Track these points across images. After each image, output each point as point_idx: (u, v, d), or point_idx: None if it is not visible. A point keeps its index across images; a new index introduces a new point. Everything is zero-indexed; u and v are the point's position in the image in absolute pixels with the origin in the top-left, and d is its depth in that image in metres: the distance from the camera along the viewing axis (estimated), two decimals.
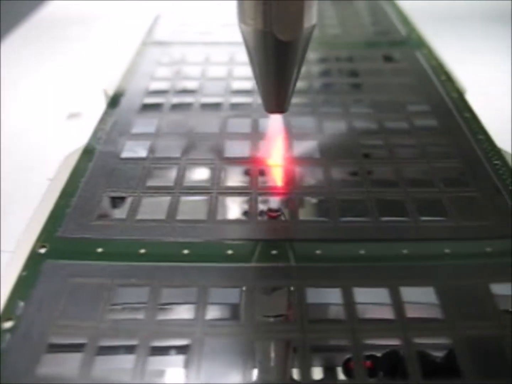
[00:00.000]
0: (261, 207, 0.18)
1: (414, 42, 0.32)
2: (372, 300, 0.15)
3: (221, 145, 0.21)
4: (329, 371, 0.15)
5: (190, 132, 0.22)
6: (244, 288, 0.15)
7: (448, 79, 0.27)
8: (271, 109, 0.18)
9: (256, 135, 0.22)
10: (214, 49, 0.30)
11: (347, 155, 0.21)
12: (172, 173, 0.20)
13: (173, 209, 0.18)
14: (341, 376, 0.15)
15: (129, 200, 0.18)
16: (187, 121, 0.23)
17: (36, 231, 0.17)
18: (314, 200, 0.19)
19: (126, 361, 0.13)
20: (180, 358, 0.14)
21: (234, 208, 0.19)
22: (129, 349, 0.14)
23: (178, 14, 0.36)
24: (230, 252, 0.16)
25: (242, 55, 0.28)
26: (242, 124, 0.23)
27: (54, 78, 0.36)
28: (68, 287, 0.15)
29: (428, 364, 0.14)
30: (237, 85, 0.26)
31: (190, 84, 0.26)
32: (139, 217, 0.18)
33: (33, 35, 0.43)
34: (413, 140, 0.22)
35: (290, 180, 0.19)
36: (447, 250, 0.17)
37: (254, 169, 0.20)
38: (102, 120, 0.23)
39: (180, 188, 0.19)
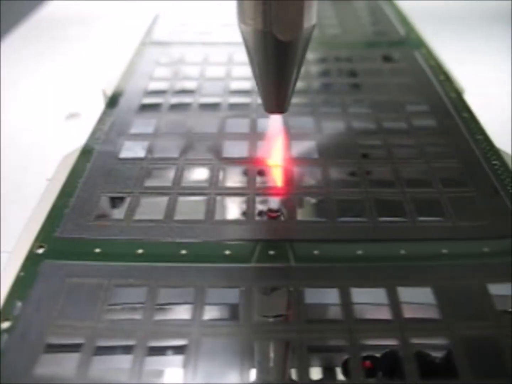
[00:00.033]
0: (261, 207, 0.18)
1: (413, 42, 0.32)
2: (370, 300, 0.15)
3: (219, 145, 0.21)
4: (326, 371, 0.15)
5: (189, 132, 0.22)
6: (241, 289, 0.15)
7: (446, 79, 0.27)
8: (271, 109, 0.18)
9: (254, 135, 0.22)
10: (213, 49, 0.30)
11: (345, 155, 0.21)
12: (170, 174, 0.20)
13: (171, 209, 0.18)
14: (339, 376, 0.15)
15: (127, 201, 0.18)
16: (185, 121, 0.23)
17: (34, 231, 0.17)
18: (312, 201, 0.19)
19: (124, 361, 0.13)
20: (177, 358, 0.14)
21: (232, 209, 0.19)
22: (127, 349, 0.14)
23: (177, 14, 0.36)
24: (227, 252, 0.16)
25: (240, 55, 0.29)
26: (240, 124, 0.23)
27: (53, 78, 0.36)
28: (66, 287, 0.15)
29: (426, 364, 0.14)
30: (235, 85, 0.26)
31: (189, 84, 0.26)
32: (137, 217, 0.18)
33: (33, 35, 0.43)
34: (411, 140, 0.22)
35: (288, 180, 0.19)
36: (444, 250, 0.17)
37: (252, 169, 0.20)
38: (101, 120, 0.23)
39: (178, 189, 0.19)
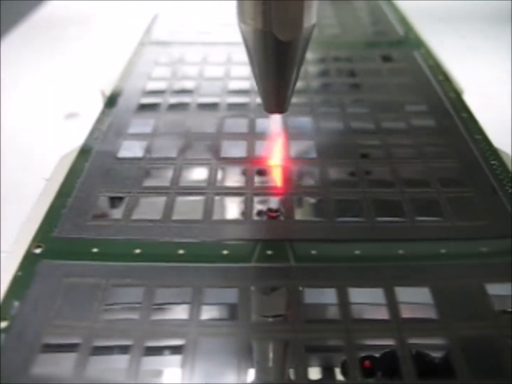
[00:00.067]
0: (260, 207, 0.18)
1: (412, 42, 0.32)
2: (368, 300, 0.15)
3: (218, 145, 0.21)
4: (324, 371, 0.15)
5: (187, 132, 0.22)
6: (239, 288, 0.15)
7: (446, 79, 0.27)
8: (271, 109, 0.18)
9: (252, 135, 0.22)
10: (211, 49, 0.30)
11: (344, 155, 0.21)
12: (168, 173, 0.20)
13: (169, 209, 0.18)
14: (337, 376, 0.15)
15: (125, 200, 0.18)
16: (184, 121, 0.23)
17: (32, 231, 0.17)
18: (310, 200, 0.19)
19: (121, 361, 0.13)
20: (174, 358, 0.14)
21: (230, 208, 0.19)
22: (124, 349, 0.14)
23: (176, 14, 0.36)
24: (225, 252, 0.16)
25: (239, 55, 0.29)
26: (239, 124, 0.23)
27: (52, 78, 0.36)
28: (63, 287, 0.15)
29: (423, 364, 0.14)
30: (234, 85, 0.26)
31: (188, 84, 0.26)
32: (134, 217, 0.18)
33: (32, 35, 0.43)
34: (410, 140, 0.22)
35: (286, 180, 0.19)
36: (443, 250, 0.17)
37: (251, 169, 0.20)
38: (99, 120, 0.23)
39: (176, 188, 0.19)
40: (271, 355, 0.14)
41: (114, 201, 0.19)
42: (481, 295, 0.15)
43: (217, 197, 0.19)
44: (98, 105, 0.24)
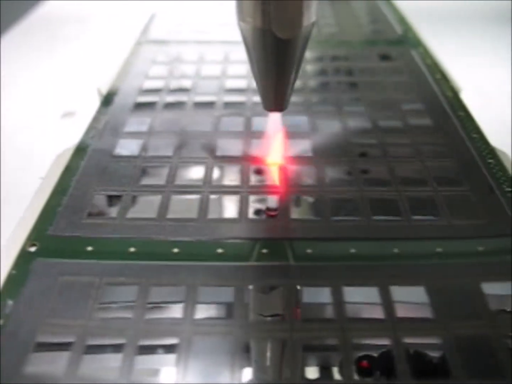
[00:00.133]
0: (258, 206, 0.18)
1: (410, 41, 0.32)
2: (363, 299, 0.15)
3: (214, 143, 0.21)
4: (320, 370, 0.15)
5: (183, 131, 0.22)
6: (234, 287, 0.15)
7: (443, 78, 0.26)
8: (270, 107, 0.18)
9: (249, 133, 0.22)
10: (208, 48, 0.30)
11: (340, 154, 0.21)
12: (164, 172, 0.20)
13: (164, 207, 0.18)
14: (334, 375, 0.15)
15: (120, 199, 0.18)
16: (180, 119, 0.23)
17: (27, 230, 0.17)
18: (306, 199, 0.19)
19: (115, 359, 0.13)
20: (169, 357, 0.14)
21: (225, 207, 0.19)
22: (118, 348, 0.14)
23: (173, 13, 0.36)
24: (220, 251, 0.16)
25: (236, 53, 0.29)
26: (235, 123, 0.23)
27: (49, 76, 0.36)
28: (58, 285, 0.15)
29: (419, 363, 0.14)
30: (231, 83, 0.26)
31: (184, 83, 0.26)
32: (129, 215, 0.18)
33: (30, 34, 0.42)
34: (407, 139, 0.22)
35: (283, 179, 0.19)
36: (439, 249, 0.16)
37: (247, 168, 0.20)
38: (95, 119, 0.23)
39: (172, 187, 0.19)
40: (266, 354, 0.14)
41: (110, 200, 0.19)
42: (478, 294, 0.15)
43: (212, 196, 0.19)
44: (95, 104, 0.24)
